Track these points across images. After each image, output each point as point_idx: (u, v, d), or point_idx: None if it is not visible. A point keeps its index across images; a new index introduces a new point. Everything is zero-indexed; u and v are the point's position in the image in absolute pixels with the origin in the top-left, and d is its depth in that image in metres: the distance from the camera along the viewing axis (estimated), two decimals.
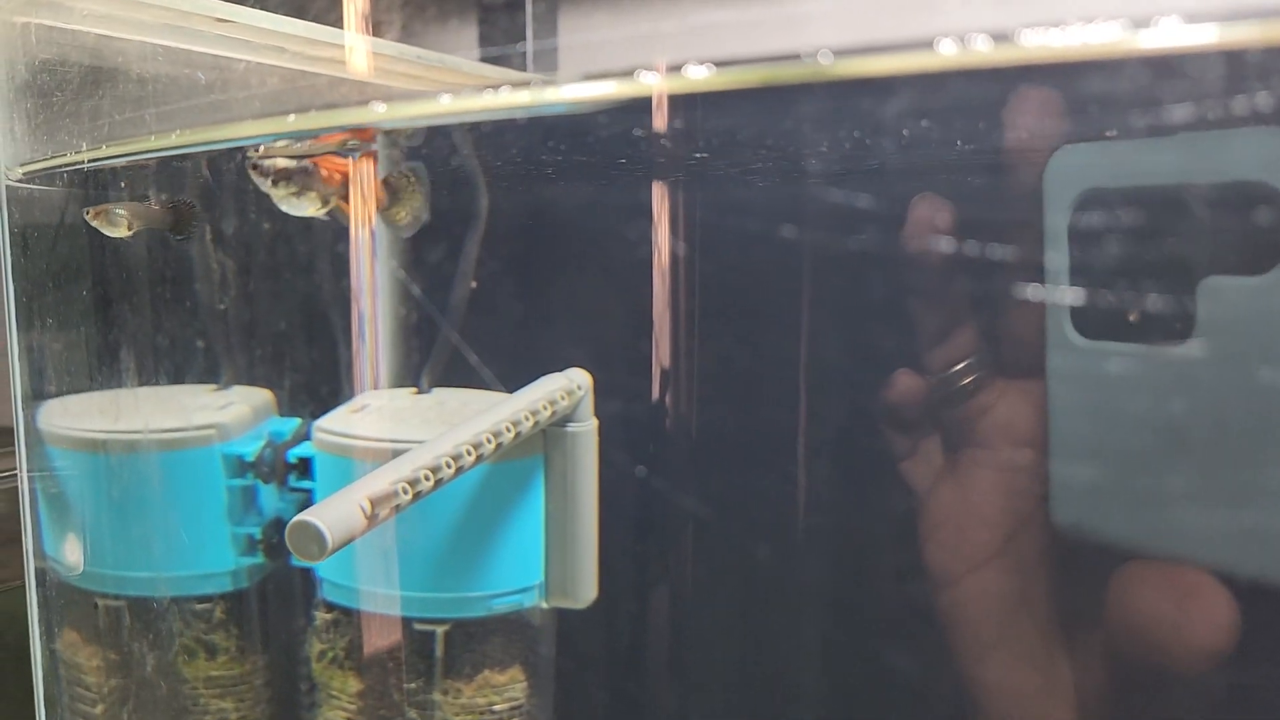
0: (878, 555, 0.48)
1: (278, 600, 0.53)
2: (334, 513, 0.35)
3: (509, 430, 0.44)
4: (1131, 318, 0.32)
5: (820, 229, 0.44)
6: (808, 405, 0.51)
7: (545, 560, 0.52)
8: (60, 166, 0.48)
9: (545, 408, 0.46)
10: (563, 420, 0.50)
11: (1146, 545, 0.34)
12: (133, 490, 0.52)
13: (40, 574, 0.56)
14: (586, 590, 0.52)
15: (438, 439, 0.41)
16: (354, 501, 0.36)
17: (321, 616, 0.52)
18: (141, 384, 0.53)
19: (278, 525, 0.52)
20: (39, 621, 0.56)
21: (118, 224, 0.49)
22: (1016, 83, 0.35)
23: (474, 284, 0.55)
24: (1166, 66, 0.30)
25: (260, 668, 0.54)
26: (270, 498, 0.53)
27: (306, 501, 0.51)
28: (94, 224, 0.48)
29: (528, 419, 0.45)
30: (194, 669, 0.52)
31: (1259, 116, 0.29)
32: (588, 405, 0.51)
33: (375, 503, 0.37)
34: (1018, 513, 0.40)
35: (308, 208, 0.43)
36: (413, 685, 0.51)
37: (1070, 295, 0.33)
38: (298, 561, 0.52)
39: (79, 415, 0.53)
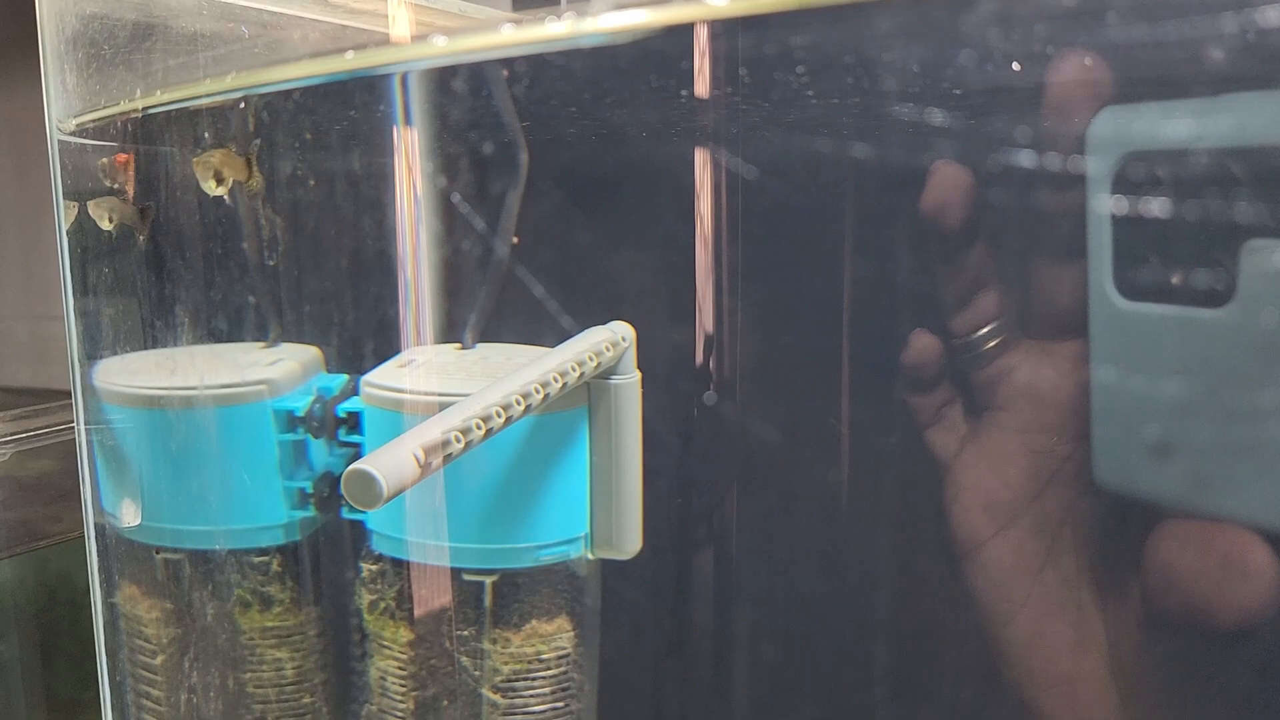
0: (922, 510, 0.49)
1: (329, 553, 0.54)
2: (388, 461, 0.36)
3: (556, 381, 0.44)
4: (1174, 280, 0.32)
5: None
6: (852, 359, 0.51)
7: (590, 512, 0.52)
8: (110, 117, 0.49)
9: (591, 359, 0.47)
10: (606, 373, 0.51)
11: (1190, 504, 0.34)
12: (188, 445, 0.53)
13: (99, 529, 0.58)
14: (631, 541, 0.53)
15: (486, 389, 0.42)
16: (407, 450, 0.36)
17: (370, 568, 0.53)
18: (193, 342, 0.54)
19: (328, 479, 0.53)
20: (99, 574, 0.57)
21: (101, 218, 0.50)
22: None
23: (516, 239, 0.56)
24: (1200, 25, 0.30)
25: (314, 619, 0.55)
26: (320, 452, 0.53)
27: (355, 455, 0.52)
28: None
29: (574, 370, 0.45)
30: (249, 620, 0.54)
31: None
32: (630, 358, 0.51)
33: (428, 451, 0.37)
34: (1052, 473, 0.40)
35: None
36: (463, 634, 0.52)
37: (1113, 257, 0.33)
38: (347, 514, 0.53)
39: (134, 373, 0.54)
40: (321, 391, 0.53)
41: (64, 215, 0.53)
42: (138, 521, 0.54)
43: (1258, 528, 0.33)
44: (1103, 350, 0.33)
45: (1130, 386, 0.33)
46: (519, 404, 0.42)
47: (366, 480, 0.35)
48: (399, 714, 0.54)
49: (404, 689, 0.53)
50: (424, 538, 0.51)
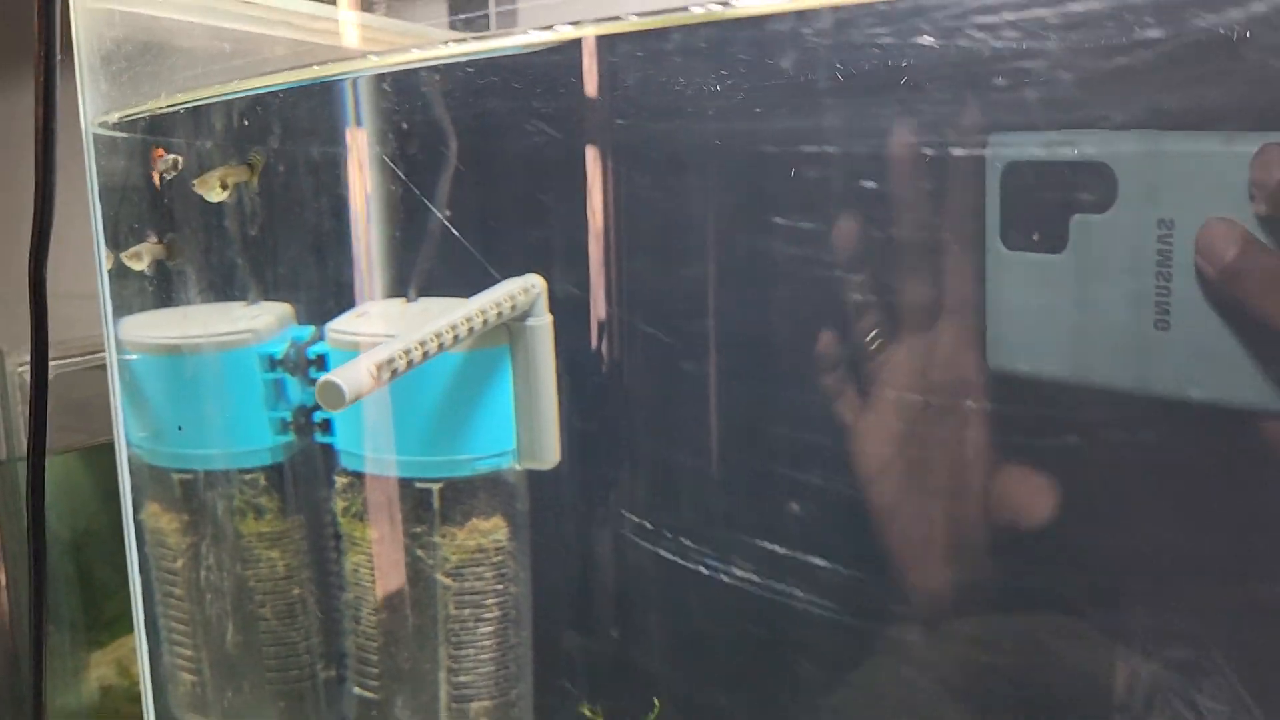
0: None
1: (308, 470, 0.67)
2: (349, 374, 0.49)
3: (478, 317, 0.57)
4: (1035, 237, 0.49)
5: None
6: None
7: (516, 430, 0.65)
8: (133, 115, 0.61)
9: (506, 301, 0.59)
10: (523, 316, 0.63)
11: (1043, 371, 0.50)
12: (193, 383, 0.65)
13: (131, 458, 0.71)
14: (550, 454, 0.66)
15: (424, 325, 0.55)
16: (364, 366, 0.49)
17: (341, 481, 0.66)
18: (190, 303, 0.67)
19: (303, 410, 0.66)
20: (130, 495, 0.70)
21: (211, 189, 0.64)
22: None
23: (448, 213, 0.68)
24: None
25: (299, 524, 0.68)
26: (295, 388, 0.66)
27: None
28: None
29: (492, 309, 0.58)
30: (246, 526, 0.67)
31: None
32: (542, 304, 0.64)
33: (380, 367, 0.50)
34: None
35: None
36: (417, 531, 0.65)
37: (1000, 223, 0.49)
38: (321, 438, 0.66)
39: (151, 326, 0.67)
40: (295, 339, 0.66)
41: (99, 210, 0.65)
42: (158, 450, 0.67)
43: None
44: (994, 277, 0.50)
45: (1011, 301, 0.49)
46: (449, 334, 0.55)
47: (334, 388, 0.48)
48: (371, 599, 0.67)
49: (374, 578, 0.66)
50: (382, 454, 0.64)
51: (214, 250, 0.66)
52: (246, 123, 0.65)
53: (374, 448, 0.64)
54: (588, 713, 0.56)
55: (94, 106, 0.66)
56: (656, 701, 0.51)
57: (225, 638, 0.68)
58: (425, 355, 0.54)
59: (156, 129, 0.67)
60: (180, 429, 0.66)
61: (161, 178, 0.63)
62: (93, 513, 0.69)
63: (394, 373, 0.54)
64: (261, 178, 0.63)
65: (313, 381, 0.65)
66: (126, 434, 0.69)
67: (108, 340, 0.69)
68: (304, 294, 0.66)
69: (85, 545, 0.68)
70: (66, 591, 0.72)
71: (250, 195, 0.66)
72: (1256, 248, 0.43)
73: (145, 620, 0.69)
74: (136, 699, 0.72)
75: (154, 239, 0.64)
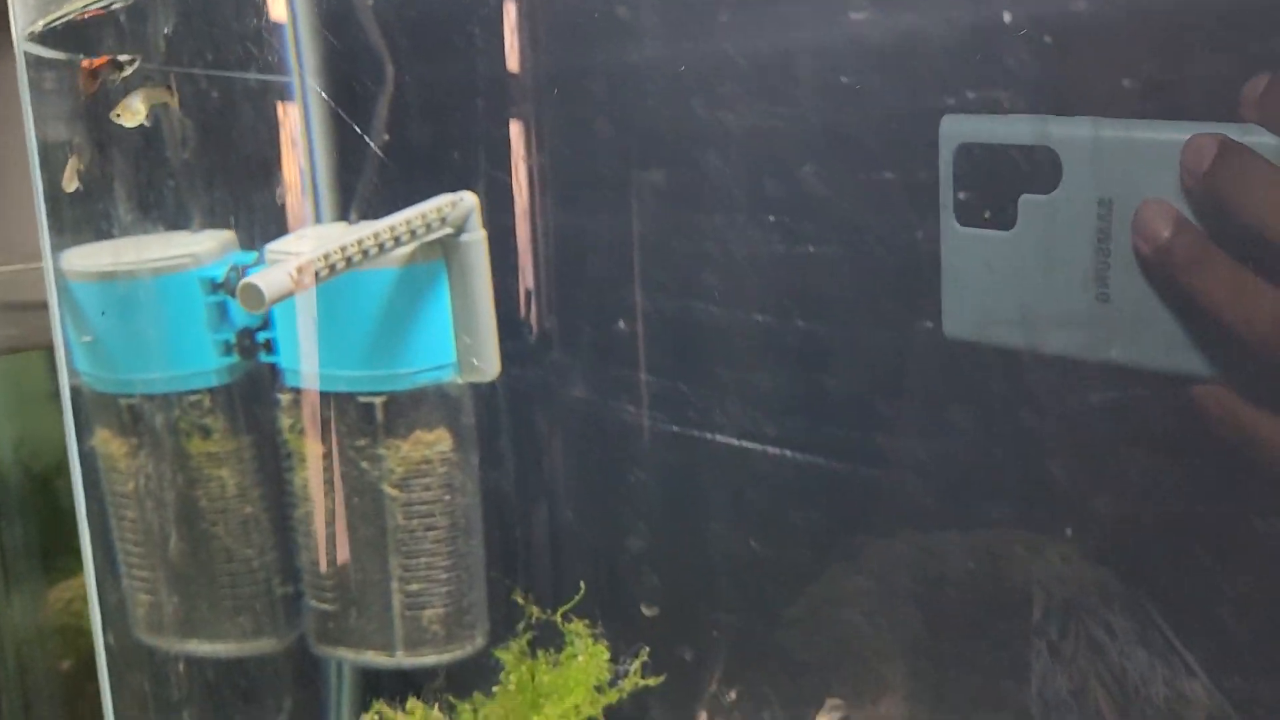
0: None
1: (254, 390, 0.69)
2: (270, 276, 0.50)
3: (403, 228, 0.59)
4: (986, 215, 0.52)
5: None
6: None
7: (456, 344, 0.67)
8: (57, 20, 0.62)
9: (433, 213, 0.60)
10: (457, 231, 0.65)
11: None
12: (136, 309, 0.67)
13: (74, 390, 0.72)
14: (490, 366, 0.68)
15: (348, 233, 0.56)
16: (284, 270, 0.51)
17: (286, 399, 0.67)
18: (134, 233, 0.68)
19: (246, 332, 0.67)
20: (73, 426, 0.71)
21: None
22: None
23: (386, 138, 0.69)
24: None
25: (248, 444, 0.70)
26: (239, 311, 0.67)
27: (265, 310, 0.66)
28: None
29: (419, 220, 0.59)
30: (194, 446, 0.68)
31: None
32: (476, 220, 0.65)
33: (301, 270, 0.51)
34: None
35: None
36: (361, 443, 0.67)
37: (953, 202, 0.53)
38: (265, 358, 0.68)
39: (90, 255, 0.68)
40: (236, 263, 0.67)
41: (33, 130, 0.66)
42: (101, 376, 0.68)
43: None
44: (948, 251, 0.54)
45: (965, 274, 0.53)
46: (372, 242, 0.56)
47: (254, 289, 0.50)
48: (325, 513, 0.69)
49: (325, 490, 0.68)
50: (324, 370, 0.66)
51: (155, 180, 0.67)
52: (172, 32, 0.65)
53: (316, 364, 0.66)
54: (520, 600, 0.59)
55: (24, 18, 0.66)
56: (582, 584, 0.53)
57: (180, 558, 0.70)
58: (349, 262, 0.56)
59: (85, 39, 0.67)
60: (123, 353, 0.67)
61: (103, 85, 0.63)
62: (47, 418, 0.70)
63: (316, 276, 0.55)
64: (199, 101, 0.64)
65: None
66: (73, 362, 0.70)
67: (47, 270, 0.70)
68: (247, 220, 0.67)
69: (42, 466, 0.70)
70: (24, 518, 0.73)
71: (180, 120, 0.67)
72: (1186, 227, 0.47)
73: (94, 544, 0.70)
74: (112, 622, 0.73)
75: (76, 157, 0.65)
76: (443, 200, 0.62)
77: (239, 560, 0.71)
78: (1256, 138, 0.45)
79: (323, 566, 0.69)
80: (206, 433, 0.68)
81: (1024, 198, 0.51)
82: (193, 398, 0.67)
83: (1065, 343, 0.52)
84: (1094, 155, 0.49)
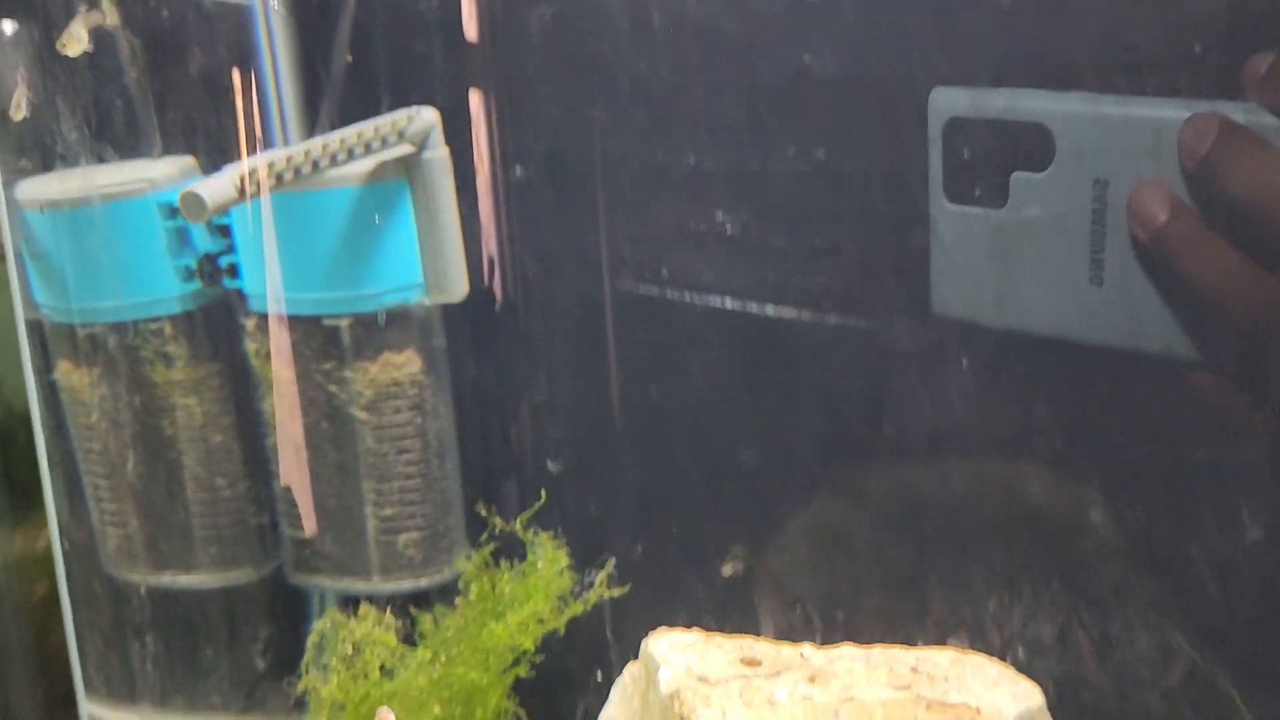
0: None
1: (221, 317, 0.68)
2: (213, 185, 0.49)
3: (354, 139, 0.57)
4: (976, 193, 0.52)
5: None
6: None
7: (422, 264, 0.66)
8: None
9: (386, 125, 0.59)
10: (419, 149, 0.63)
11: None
12: (96, 237, 0.65)
13: (33, 324, 0.70)
14: (457, 286, 0.67)
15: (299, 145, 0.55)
16: (227, 178, 0.49)
17: (250, 324, 0.66)
18: (96, 162, 0.66)
19: (208, 258, 0.66)
20: (33, 360, 0.70)
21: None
22: None
23: (349, 58, 0.68)
24: None
25: (215, 371, 0.69)
26: (201, 236, 0.66)
27: (227, 232, 0.65)
28: None
29: (370, 131, 0.58)
30: (159, 374, 0.67)
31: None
32: (438, 137, 0.64)
33: (244, 179, 0.50)
34: None
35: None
36: (328, 367, 0.66)
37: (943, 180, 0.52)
38: (228, 283, 0.66)
39: (45, 183, 0.66)
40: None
41: None
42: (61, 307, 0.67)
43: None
44: (938, 229, 0.53)
45: (955, 252, 0.53)
46: (320, 151, 0.55)
47: (194, 197, 0.48)
48: (294, 434, 0.68)
49: (294, 416, 0.67)
50: (290, 294, 0.65)
51: (110, 106, 0.65)
52: None
53: (280, 288, 0.64)
54: (483, 512, 0.58)
55: None
56: (544, 493, 0.53)
57: (149, 489, 0.69)
58: (298, 173, 0.54)
59: None
60: (82, 283, 0.66)
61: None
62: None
63: (259, 186, 0.54)
64: (160, 30, 0.62)
65: (214, 227, 0.65)
66: (32, 294, 0.69)
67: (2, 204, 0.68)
68: (206, 145, 0.66)
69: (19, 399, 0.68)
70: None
71: (131, 42, 0.65)
72: (1182, 209, 0.46)
73: (55, 477, 0.69)
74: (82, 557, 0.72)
75: (25, 84, 0.63)
76: (398, 114, 0.61)
77: (210, 490, 0.70)
78: (1257, 118, 0.44)
79: (288, 487, 0.68)
80: (170, 360, 0.67)
81: (1016, 175, 0.50)
82: (154, 325, 0.66)
83: (1056, 325, 0.50)
84: (1089, 133, 0.47)
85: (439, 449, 0.69)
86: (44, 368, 0.70)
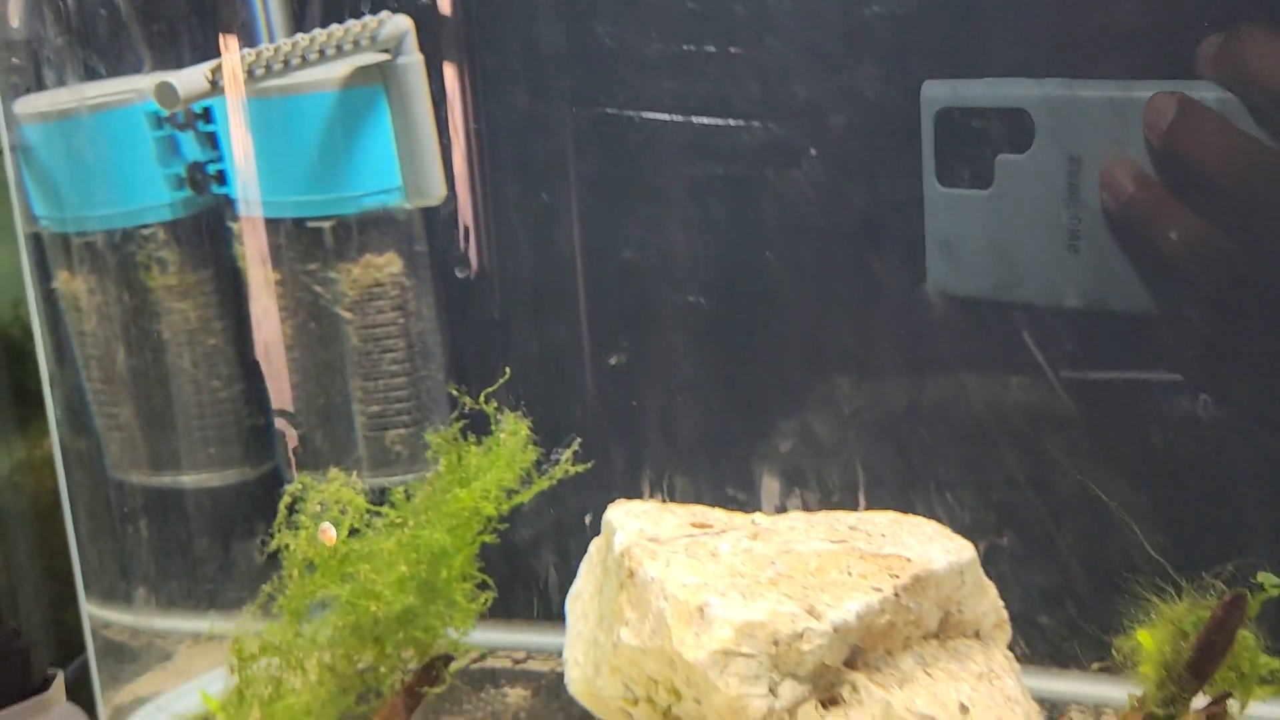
0: None
1: (211, 223, 0.71)
2: (185, 76, 0.52)
3: (325, 39, 0.60)
4: (966, 174, 0.57)
5: None
6: None
7: (400, 168, 0.68)
8: None
9: (358, 29, 0.61)
10: (394, 55, 0.66)
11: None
12: (87, 147, 0.68)
13: (33, 237, 0.73)
14: (435, 188, 0.69)
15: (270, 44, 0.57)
16: (199, 71, 0.52)
17: (237, 228, 0.69)
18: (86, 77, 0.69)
19: (196, 166, 0.69)
20: (35, 272, 0.73)
21: None
22: None
23: None
24: None
25: (208, 277, 0.72)
26: (190, 146, 0.69)
27: (212, 138, 0.68)
28: None
29: (342, 34, 0.61)
30: (153, 280, 0.70)
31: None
32: (411, 43, 0.66)
33: (214, 71, 0.53)
34: None
35: None
36: (312, 268, 0.69)
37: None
38: (217, 189, 0.69)
39: (39, 99, 0.69)
40: None
41: None
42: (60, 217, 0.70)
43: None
44: (931, 210, 0.58)
45: (947, 232, 0.57)
46: (290, 48, 0.58)
47: (168, 86, 0.51)
48: (285, 338, 0.71)
49: (282, 317, 0.70)
50: (273, 196, 0.67)
51: (101, 22, 0.68)
52: None
53: (264, 192, 0.67)
54: (454, 391, 0.61)
55: None
56: (508, 369, 0.56)
57: (147, 392, 0.73)
58: (269, 69, 0.57)
59: None
60: (78, 193, 0.69)
61: None
62: None
63: (231, 79, 0.57)
64: None
65: (201, 133, 0.68)
66: (31, 207, 0.72)
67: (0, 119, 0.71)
68: (190, 57, 0.68)
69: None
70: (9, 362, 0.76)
71: None
72: (1148, 181, 0.51)
73: (54, 382, 0.72)
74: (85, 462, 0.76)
75: None
76: (368, 18, 0.63)
77: (206, 392, 0.73)
78: (1211, 94, 0.49)
79: (285, 391, 0.71)
80: (163, 266, 0.70)
81: (1000, 158, 0.55)
82: (146, 232, 0.69)
83: (1038, 292, 0.56)
84: (1063, 115, 0.53)
85: (423, 349, 0.72)
86: (44, 278, 0.73)
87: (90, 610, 0.72)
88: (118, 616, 0.74)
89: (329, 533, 0.47)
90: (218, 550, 0.76)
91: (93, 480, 0.75)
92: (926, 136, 0.56)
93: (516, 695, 0.68)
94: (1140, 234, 0.52)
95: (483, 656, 0.74)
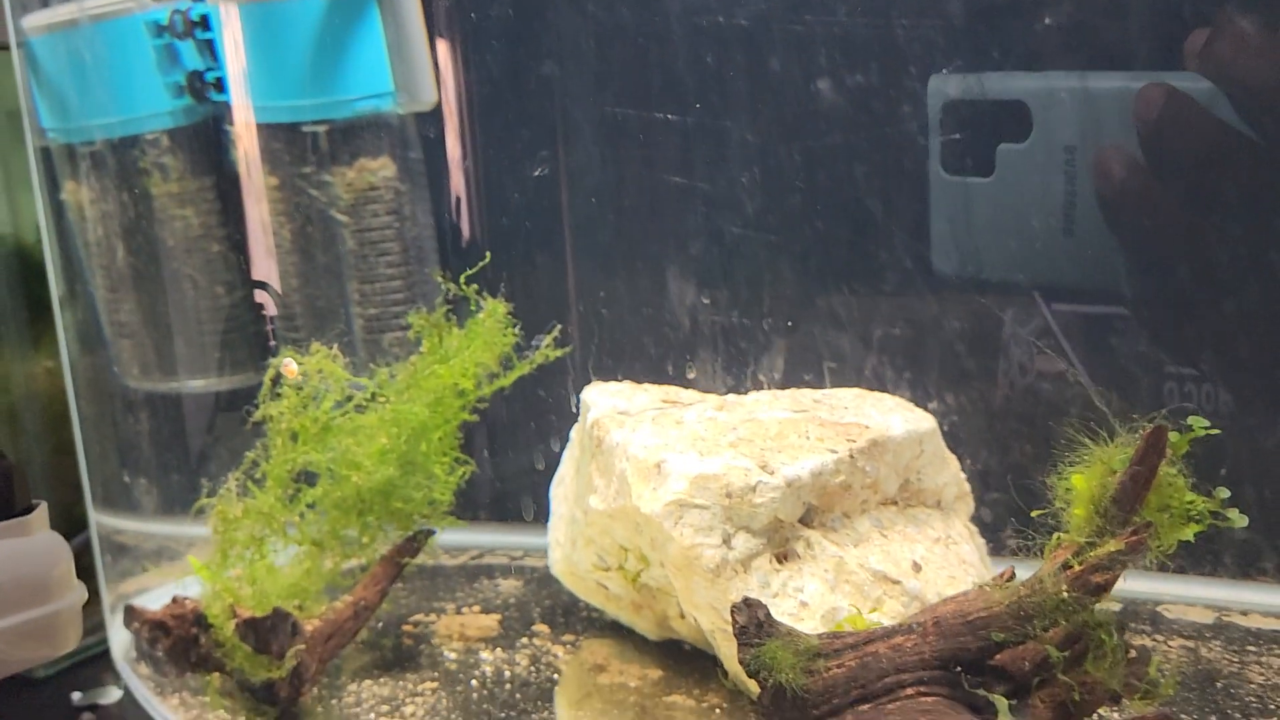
0: None
1: (211, 132, 0.73)
2: None
3: None
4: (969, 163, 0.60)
5: None
6: None
7: (391, 74, 0.70)
8: None
9: None
10: None
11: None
12: (90, 58, 0.70)
13: (42, 150, 0.76)
14: (427, 94, 0.71)
15: None
16: None
17: (235, 132, 0.71)
18: None
19: (195, 74, 0.71)
20: (43, 184, 0.76)
21: None
22: None
23: None
24: None
25: (209, 184, 0.74)
26: (189, 55, 0.71)
27: (209, 46, 0.70)
28: None
29: None
30: (157, 186, 0.72)
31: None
32: None
33: None
34: None
35: None
36: (307, 170, 0.71)
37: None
38: (216, 96, 0.71)
39: (44, 14, 0.71)
40: (179, 7, 0.70)
41: None
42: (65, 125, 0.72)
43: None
44: (937, 197, 0.61)
45: (950, 215, 0.60)
46: None
47: None
48: (284, 242, 0.73)
49: (281, 221, 0.73)
50: (268, 102, 0.69)
51: None
52: None
53: (260, 97, 0.69)
54: (439, 278, 0.63)
55: None
56: (488, 254, 0.58)
57: (154, 299, 0.75)
58: None
59: None
60: (82, 100, 0.71)
61: None
62: None
63: None
64: None
65: (198, 40, 0.70)
66: (39, 120, 0.74)
67: (10, 34, 0.73)
68: None
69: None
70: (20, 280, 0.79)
71: None
72: (1138, 168, 0.55)
73: (64, 293, 0.75)
74: (93, 371, 0.78)
75: None
76: None
77: (211, 297, 0.75)
78: (1196, 84, 0.53)
79: (289, 296, 0.73)
80: (166, 173, 0.72)
81: (1001, 147, 0.58)
82: (149, 138, 0.71)
83: (1036, 273, 0.59)
84: (1059, 107, 0.56)
85: (419, 254, 0.73)
86: (52, 190, 0.76)
87: (97, 517, 0.75)
88: (125, 523, 0.77)
89: (290, 366, 0.49)
90: (218, 453, 0.78)
91: (104, 388, 0.78)
92: (933, 127, 0.60)
93: (509, 585, 0.70)
94: (1129, 217, 0.56)
95: (480, 555, 0.77)
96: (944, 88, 0.59)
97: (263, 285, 0.69)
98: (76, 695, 0.65)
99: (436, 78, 0.71)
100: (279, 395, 0.51)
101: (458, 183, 0.75)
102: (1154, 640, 0.57)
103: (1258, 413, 0.56)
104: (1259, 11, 0.51)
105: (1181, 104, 0.52)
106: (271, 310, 0.70)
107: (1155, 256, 0.56)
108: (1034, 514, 0.43)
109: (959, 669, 0.41)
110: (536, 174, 0.68)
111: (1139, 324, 0.58)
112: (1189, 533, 0.40)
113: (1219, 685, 0.52)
